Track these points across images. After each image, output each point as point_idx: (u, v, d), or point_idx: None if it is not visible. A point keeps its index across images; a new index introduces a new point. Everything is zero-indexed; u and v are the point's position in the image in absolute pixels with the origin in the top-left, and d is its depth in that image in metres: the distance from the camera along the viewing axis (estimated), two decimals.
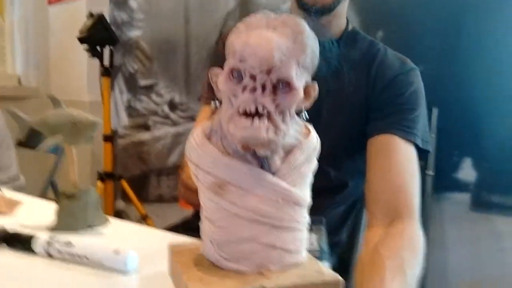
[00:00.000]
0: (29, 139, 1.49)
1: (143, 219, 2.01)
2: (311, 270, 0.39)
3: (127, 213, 2.30)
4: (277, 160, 0.39)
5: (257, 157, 0.38)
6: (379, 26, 1.46)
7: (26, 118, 0.62)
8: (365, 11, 1.47)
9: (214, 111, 0.42)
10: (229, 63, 0.36)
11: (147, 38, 2.30)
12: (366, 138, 0.82)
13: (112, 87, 2.30)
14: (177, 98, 2.15)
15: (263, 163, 0.38)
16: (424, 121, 0.82)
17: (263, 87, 0.34)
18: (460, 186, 1.37)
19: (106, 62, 2.07)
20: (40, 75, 2.73)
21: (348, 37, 0.87)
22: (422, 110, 0.83)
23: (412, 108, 0.81)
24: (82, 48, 2.04)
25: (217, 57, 0.41)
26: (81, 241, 0.49)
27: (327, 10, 0.81)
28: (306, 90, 0.38)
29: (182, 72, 2.17)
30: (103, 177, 2.03)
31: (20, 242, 0.51)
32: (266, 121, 0.35)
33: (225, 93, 0.36)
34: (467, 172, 1.36)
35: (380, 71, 0.84)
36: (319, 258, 0.81)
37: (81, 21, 2.05)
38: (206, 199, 0.40)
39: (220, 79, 0.36)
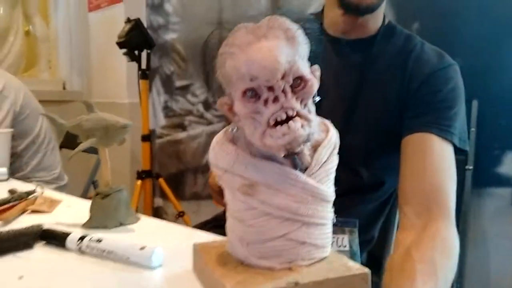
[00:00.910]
0: (70, 142, 1.56)
1: (180, 216, 2.07)
2: (337, 264, 0.40)
3: (165, 210, 2.37)
4: (307, 155, 0.40)
5: (288, 157, 0.39)
6: (414, 19, 1.44)
7: (63, 123, 0.66)
8: (400, 3, 1.45)
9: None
10: (239, 86, 0.36)
11: (182, 40, 2.35)
12: (400, 136, 0.80)
13: (150, 88, 2.37)
14: (211, 98, 2.19)
15: (295, 161, 0.39)
16: (462, 119, 0.80)
17: (284, 92, 0.35)
18: (501, 181, 1.33)
19: (144, 65, 2.13)
20: (83, 79, 2.84)
21: (385, 32, 0.86)
22: (461, 107, 0.80)
23: (450, 105, 0.78)
24: (121, 53, 2.12)
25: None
26: (110, 238, 0.52)
27: (371, 10, 0.80)
28: (314, 75, 0.39)
29: (215, 73, 2.21)
30: (142, 175, 2.10)
31: (55, 239, 0.55)
32: (298, 119, 0.36)
33: (247, 115, 0.37)
34: (508, 166, 1.31)
35: (416, 67, 0.81)
36: (350, 259, 0.81)
37: (120, 26, 2.12)
38: (234, 200, 0.41)
39: (237, 105, 0.37)
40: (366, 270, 0.38)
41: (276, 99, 0.35)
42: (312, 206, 0.39)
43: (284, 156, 0.38)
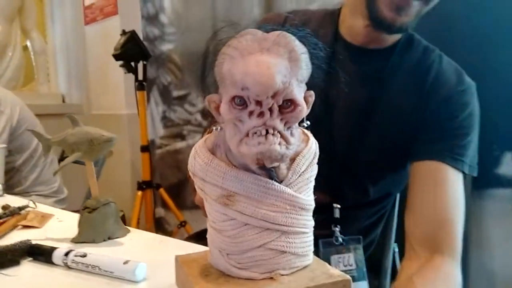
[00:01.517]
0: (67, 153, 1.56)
1: (182, 226, 2.07)
2: (320, 271, 0.40)
3: (167, 220, 2.37)
4: (284, 169, 0.40)
5: (265, 168, 0.39)
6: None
7: (48, 138, 0.66)
8: None
9: (211, 130, 0.43)
10: (230, 91, 0.36)
11: (179, 51, 2.36)
12: (410, 156, 0.78)
13: (148, 99, 2.38)
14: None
15: (270, 173, 0.39)
16: (475, 144, 0.78)
17: (271, 111, 0.35)
18: (502, 182, 1.31)
19: (141, 76, 2.14)
20: (82, 92, 2.86)
21: (403, 43, 0.82)
22: (475, 132, 0.78)
23: (466, 133, 0.76)
24: (118, 65, 2.13)
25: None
26: (96, 253, 0.52)
27: (404, 30, 0.77)
28: (305, 100, 0.38)
29: (212, 81, 2.22)
30: (142, 186, 2.10)
31: (42, 254, 0.55)
32: (278, 136, 0.36)
33: (230, 120, 0.37)
34: (508, 167, 1.30)
35: (435, 87, 0.78)
36: (357, 277, 0.80)
37: (116, 39, 2.13)
38: (213, 210, 0.41)
39: (222, 108, 0.37)
40: (348, 277, 0.38)
41: (261, 114, 0.35)
42: (291, 215, 0.38)
43: (259, 168, 0.38)
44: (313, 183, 0.42)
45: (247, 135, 0.35)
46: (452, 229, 0.72)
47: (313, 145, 0.42)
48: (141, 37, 2.22)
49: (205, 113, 2.21)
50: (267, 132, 0.35)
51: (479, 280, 1.30)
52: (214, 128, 0.41)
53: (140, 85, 2.14)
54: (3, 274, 0.52)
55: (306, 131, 0.43)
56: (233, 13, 2.13)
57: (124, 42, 2.06)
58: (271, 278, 0.39)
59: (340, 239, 0.80)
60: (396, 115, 0.79)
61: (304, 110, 0.37)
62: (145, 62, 2.13)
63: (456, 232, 0.72)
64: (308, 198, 0.41)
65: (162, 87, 2.44)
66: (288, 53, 0.36)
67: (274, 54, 0.35)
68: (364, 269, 0.81)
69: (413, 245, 0.73)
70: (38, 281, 0.50)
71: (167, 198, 2.11)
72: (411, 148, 0.78)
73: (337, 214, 0.80)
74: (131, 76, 2.15)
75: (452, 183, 0.74)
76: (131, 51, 2.08)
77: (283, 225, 0.38)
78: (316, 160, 0.42)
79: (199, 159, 0.40)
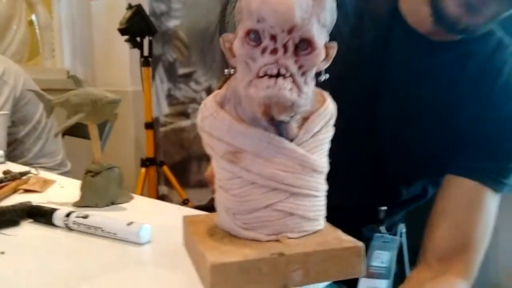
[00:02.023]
0: (72, 128, 1.55)
1: (185, 204, 2.06)
2: (330, 237, 0.38)
3: (170, 198, 2.37)
4: (294, 127, 0.37)
5: (274, 124, 0.36)
6: None
7: (50, 98, 0.64)
8: None
9: (225, 80, 0.41)
10: (245, 25, 0.33)
11: (185, 27, 2.33)
12: (448, 167, 0.70)
13: (153, 76, 2.35)
14: (214, 85, 2.17)
15: (280, 130, 0.37)
16: None
17: (285, 48, 0.33)
18: None
19: (146, 52, 2.11)
20: (86, 68, 2.84)
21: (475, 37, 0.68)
22: None
23: None
24: (123, 40, 2.10)
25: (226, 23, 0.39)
26: (99, 214, 0.50)
27: (471, 32, 0.64)
28: (326, 50, 0.36)
29: (219, 59, 2.19)
30: (146, 163, 2.09)
31: (42, 216, 0.53)
32: (290, 81, 0.33)
33: (241, 57, 0.34)
34: None
35: (500, 97, 0.68)
36: (384, 276, 0.78)
37: (122, 13, 2.10)
38: (220, 168, 0.39)
39: (236, 43, 0.34)
40: (360, 244, 0.36)
41: (274, 51, 0.33)
42: (301, 175, 0.36)
43: (269, 123, 0.36)
44: (327, 145, 0.39)
45: (258, 75, 0.33)
46: (475, 257, 0.68)
47: (330, 105, 0.40)
48: (147, 12, 2.19)
49: (211, 92, 2.19)
50: (278, 75, 0.32)
51: (485, 271, 1.29)
52: (226, 71, 0.38)
53: (146, 61, 2.11)
54: (1, 233, 0.50)
55: (323, 92, 0.41)
56: None
57: (129, 17, 2.03)
58: (278, 240, 0.37)
59: (386, 237, 0.76)
60: (453, 122, 0.70)
61: (322, 55, 0.34)
62: (151, 38, 2.10)
63: (478, 261, 0.68)
64: (321, 160, 0.38)
65: (168, 64, 2.41)
66: None
67: None
68: (393, 271, 0.79)
69: (429, 258, 0.69)
70: (38, 242, 0.49)
71: (171, 175, 2.10)
72: (454, 158, 0.70)
73: (381, 215, 0.77)
74: (136, 52, 2.12)
75: (489, 207, 0.68)
76: (137, 26, 2.05)
77: (292, 186, 0.36)
78: (332, 122, 0.40)
79: (206, 112, 0.38)
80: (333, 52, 0.36)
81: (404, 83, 0.70)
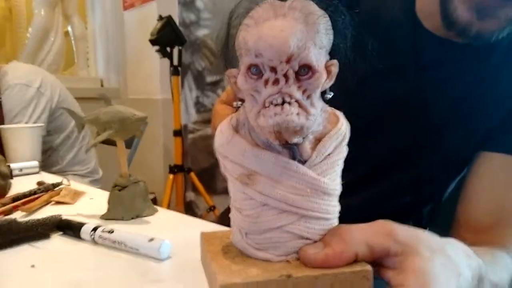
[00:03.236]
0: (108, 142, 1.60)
1: (211, 210, 2.09)
2: None
3: (197, 204, 2.41)
4: (308, 148, 0.38)
5: (288, 147, 0.38)
6: None
7: (82, 116, 0.67)
8: None
9: (236, 109, 0.42)
10: (245, 61, 0.35)
11: (213, 36, 2.37)
12: (476, 146, 0.69)
13: (182, 84, 2.41)
14: None
15: (294, 152, 0.38)
16: None
17: (286, 77, 0.34)
18: None
19: (175, 61, 2.17)
20: (119, 77, 2.93)
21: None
22: None
23: None
24: (154, 50, 2.16)
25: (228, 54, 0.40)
26: (123, 229, 0.53)
27: (484, 39, 0.60)
28: (327, 69, 0.36)
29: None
30: (174, 170, 2.13)
31: (70, 229, 0.56)
32: (296, 106, 0.34)
33: (247, 91, 0.36)
34: None
35: None
36: None
37: (153, 24, 2.16)
38: (234, 189, 0.40)
39: (239, 79, 0.36)
40: (368, 267, 0.36)
41: (276, 82, 0.34)
42: (312, 198, 0.37)
43: (282, 146, 0.37)
44: (340, 167, 0.40)
45: (265, 106, 0.34)
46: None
47: (343, 126, 0.40)
48: (177, 22, 2.24)
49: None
50: (283, 102, 0.34)
51: None
52: (234, 104, 0.40)
53: (175, 70, 2.16)
54: (33, 246, 0.54)
55: (337, 112, 0.42)
56: None
57: (160, 28, 2.09)
58: (287, 261, 0.38)
59: None
60: (491, 108, 0.68)
61: (323, 77, 0.35)
62: (180, 48, 2.15)
63: None
64: (333, 183, 0.39)
65: (196, 73, 2.45)
66: (304, 17, 0.34)
67: (289, 18, 0.34)
68: None
69: (464, 234, 0.66)
70: (66, 255, 0.51)
71: (198, 182, 2.14)
72: (480, 140, 0.69)
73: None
74: (166, 61, 2.18)
75: None
76: (167, 37, 2.11)
77: (302, 209, 0.37)
78: (345, 143, 0.40)
79: (222, 136, 0.40)
80: (335, 69, 0.37)
81: (436, 86, 0.69)
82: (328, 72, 0.36)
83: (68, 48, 2.94)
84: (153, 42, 2.12)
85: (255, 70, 0.34)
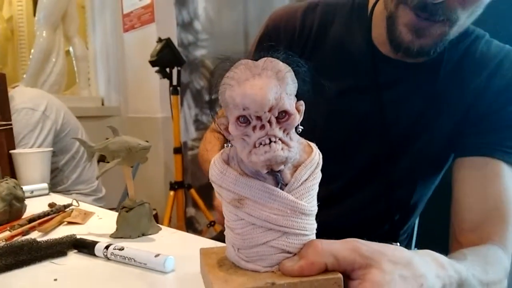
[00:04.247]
0: (104, 156, 1.67)
1: (211, 225, 2.16)
2: None
3: (197, 219, 2.47)
4: (288, 173, 0.46)
5: (272, 174, 0.46)
6: None
7: (92, 145, 0.75)
8: None
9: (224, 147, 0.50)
10: (234, 113, 0.43)
11: (211, 56, 2.46)
12: (455, 152, 0.78)
13: (181, 103, 2.48)
14: None
15: (277, 178, 0.46)
16: None
17: (269, 123, 0.42)
18: None
19: (175, 81, 2.25)
20: (120, 96, 3.01)
21: (450, 45, 0.76)
22: None
23: None
24: (154, 70, 2.24)
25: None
26: (132, 247, 0.60)
27: (427, 53, 0.74)
28: (297, 109, 0.45)
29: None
30: (175, 186, 2.20)
31: (85, 247, 0.63)
32: (280, 142, 0.43)
33: (238, 136, 0.44)
34: None
35: (491, 82, 0.76)
36: None
37: (153, 45, 2.24)
38: (227, 211, 0.48)
39: (231, 127, 0.44)
40: (339, 275, 0.43)
41: (262, 127, 0.42)
42: (291, 218, 0.45)
43: (267, 173, 0.45)
44: (315, 190, 0.48)
45: (255, 146, 0.42)
46: (504, 219, 0.69)
47: (316, 156, 0.48)
48: (175, 43, 2.33)
49: None
50: (270, 141, 0.42)
51: None
52: (225, 145, 0.48)
53: (174, 90, 2.24)
54: (53, 263, 0.61)
55: (311, 143, 0.50)
56: (264, 18, 2.20)
57: (160, 49, 2.17)
58: (272, 271, 0.45)
59: None
60: (447, 115, 0.78)
61: (297, 117, 0.43)
62: (179, 68, 2.23)
63: (507, 223, 0.68)
64: (309, 204, 0.47)
65: (195, 91, 2.54)
66: (275, 74, 0.42)
67: (264, 76, 0.42)
68: None
69: (459, 238, 0.72)
70: (83, 270, 0.59)
71: (198, 198, 2.21)
72: (455, 145, 0.77)
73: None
74: (166, 81, 2.26)
75: (504, 178, 0.71)
76: (166, 58, 2.19)
77: (284, 227, 0.45)
78: (318, 170, 0.48)
79: (216, 169, 0.47)
80: (303, 108, 0.45)
81: (395, 103, 0.80)
82: (298, 111, 0.45)
83: (69, 68, 3.02)
84: (153, 63, 2.20)
85: (243, 120, 0.43)
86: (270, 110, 0.42)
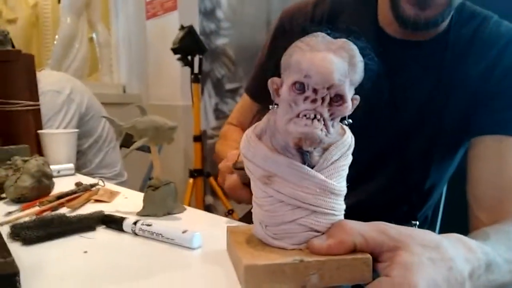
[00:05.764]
0: (127, 142, 1.70)
1: (230, 214, 2.17)
2: None
3: (215, 207, 2.49)
4: (316, 156, 0.46)
5: (300, 152, 0.46)
6: None
7: (121, 124, 0.76)
8: None
9: (262, 114, 0.50)
10: (294, 76, 0.43)
11: (233, 45, 2.46)
12: (468, 134, 0.79)
13: (201, 91, 2.50)
14: None
15: (305, 157, 0.46)
16: None
17: (322, 100, 0.42)
18: None
19: (196, 69, 2.26)
20: (141, 83, 3.03)
21: (457, 22, 0.78)
22: None
23: None
24: (175, 58, 2.25)
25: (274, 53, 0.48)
26: (159, 223, 0.62)
27: (433, 24, 0.74)
28: (352, 100, 0.44)
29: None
30: (194, 174, 2.22)
31: (114, 223, 0.65)
32: (322, 123, 0.43)
33: (287, 100, 0.43)
34: None
35: (500, 57, 0.77)
36: None
37: (175, 33, 2.26)
38: (256, 188, 0.48)
39: (284, 89, 0.43)
40: (368, 255, 0.43)
41: (314, 101, 0.42)
42: (320, 197, 0.45)
43: (297, 151, 0.45)
44: (345, 172, 0.48)
45: (298, 116, 0.42)
46: None
47: (349, 138, 0.48)
48: (198, 31, 2.33)
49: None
50: (314, 117, 0.42)
51: None
52: (270, 106, 0.47)
53: (195, 78, 2.26)
54: (82, 236, 0.63)
55: (344, 126, 0.50)
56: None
57: (182, 37, 2.18)
58: (300, 249, 0.46)
59: None
60: (455, 97, 0.78)
61: (349, 108, 0.43)
62: (201, 56, 2.24)
63: None
64: (339, 185, 0.47)
65: (216, 80, 2.55)
66: (349, 58, 0.42)
67: (338, 55, 0.42)
68: None
69: (477, 213, 0.73)
70: (111, 244, 0.60)
71: (216, 186, 2.22)
72: (467, 126, 0.78)
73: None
74: (187, 69, 2.27)
75: None
76: (188, 46, 2.20)
77: (313, 205, 0.45)
78: (349, 152, 0.48)
79: (247, 142, 0.48)
80: (356, 103, 0.45)
81: (403, 88, 0.80)
82: (352, 103, 0.45)
83: (92, 54, 3.06)
84: (175, 51, 2.22)
85: (299, 86, 0.42)
86: (329, 88, 0.41)
